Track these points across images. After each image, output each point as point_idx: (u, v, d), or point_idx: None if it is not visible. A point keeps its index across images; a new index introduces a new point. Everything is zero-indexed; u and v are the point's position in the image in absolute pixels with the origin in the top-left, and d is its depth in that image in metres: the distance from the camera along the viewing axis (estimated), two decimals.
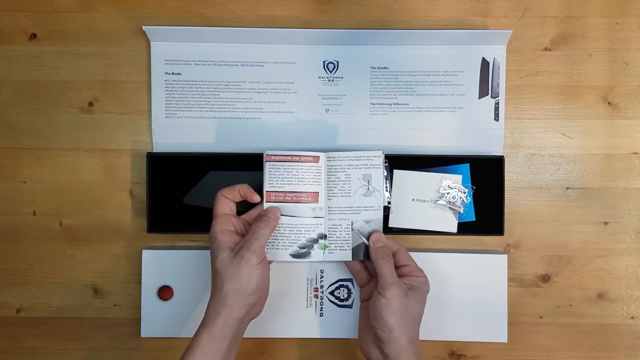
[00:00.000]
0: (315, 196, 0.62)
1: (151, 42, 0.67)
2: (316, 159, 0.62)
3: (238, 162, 0.66)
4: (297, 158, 0.62)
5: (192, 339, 0.56)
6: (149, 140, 0.68)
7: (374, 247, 0.60)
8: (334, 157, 0.62)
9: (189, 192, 0.66)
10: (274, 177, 0.62)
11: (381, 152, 0.62)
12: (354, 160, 0.62)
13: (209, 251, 0.66)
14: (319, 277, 0.66)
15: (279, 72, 0.67)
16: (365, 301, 0.62)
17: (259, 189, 0.62)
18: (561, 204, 0.68)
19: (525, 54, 0.68)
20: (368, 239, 0.61)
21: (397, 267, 0.61)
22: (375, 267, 0.59)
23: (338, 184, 0.62)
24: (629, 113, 0.68)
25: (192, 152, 0.67)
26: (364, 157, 0.62)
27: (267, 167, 0.61)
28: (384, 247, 0.60)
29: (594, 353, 0.68)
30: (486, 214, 0.66)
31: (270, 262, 0.62)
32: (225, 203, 0.60)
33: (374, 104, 0.68)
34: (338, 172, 0.62)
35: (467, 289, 0.66)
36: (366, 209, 0.62)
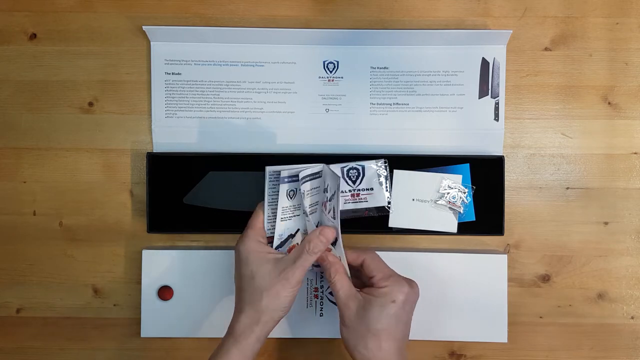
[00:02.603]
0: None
1: (151, 42, 0.67)
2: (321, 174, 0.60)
3: (238, 162, 0.66)
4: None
5: (220, 352, 0.55)
6: (149, 140, 0.68)
7: (322, 265, 0.59)
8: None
9: (189, 192, 0.66)
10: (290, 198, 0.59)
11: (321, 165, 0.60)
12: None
13: (209, 251, 0.66)
14: (318, 277, 0.66)
15: (279, 72, 0.67)
16: None
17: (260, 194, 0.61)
18: (561, 204, 0.68)
19: (525, 54, 0.68)
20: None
21: (369, 278, 0.58)
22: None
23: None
24: (629, 113, 0.68)
25: (192, 152, 0.67)
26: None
27: (282, 188, 0.58)
28: (327, 263, 0.58)
29: (594, 353, 0.68)
30: (486, 214, 0.66)
31: None
32: (261, 216, 0.59)
33: (374, 104, 0.68)
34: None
35: (467, 289, 0.66)
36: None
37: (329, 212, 0.58)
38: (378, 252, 0.64)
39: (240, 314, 0.56)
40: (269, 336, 0.65)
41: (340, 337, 0.66)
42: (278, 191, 0.59)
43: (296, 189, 0.59)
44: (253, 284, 0.56)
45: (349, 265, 0.59)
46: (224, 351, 0.55)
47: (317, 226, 0.59)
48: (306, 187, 0.58)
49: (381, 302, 0.55)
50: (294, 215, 0.60)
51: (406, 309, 0.56)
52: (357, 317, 0.55)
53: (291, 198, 0.59)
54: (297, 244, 0.60)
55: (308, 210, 0.59)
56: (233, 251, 0.66)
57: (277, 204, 0.59)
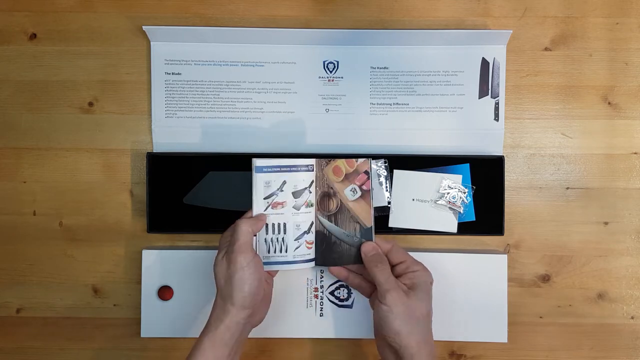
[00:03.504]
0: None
1: (151, 42, 0.67)
2: (310, 168, 0.61)
3: (238, 162, 0.66)
4: (292, 168, 0.60)
5: (195, 345, 0.56)
6: (149, 140, 0.68)
7: (365, 258, 0.60)
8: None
9: (189, 192, 0.66)
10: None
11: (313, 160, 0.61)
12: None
13: (209, 251, 0.66)
14: (318, 277, 0.66)
15: (279, 72, 0.67)
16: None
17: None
18: (561, 204, 0.68)
19: (525, 54, 0.68)
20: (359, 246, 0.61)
21: (393, 266, 0.60)
22: (371, 276, 0.59)
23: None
24: (629, 113, 0.68)
25: (192, 152, 0.67)
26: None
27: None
28: (375, 255, 0.60)
29: (594, 353, 0.68)
30: (486, 214, 0.66)
31: (274, 274, 0.62)
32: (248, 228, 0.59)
33: (374, 104, 0.68)
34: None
35: (467, 289, 0.66)
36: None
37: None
38: None
39: (213, 307, 0.58)
40: (269, 336, 0.65)
41: (340, 336, 0.66)
42: (252, 184, 0.60)
43: (283, 180, 0.60)
44: (215, 276, 0.58)
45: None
46: (198, 342, 0.56)
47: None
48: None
49: (423, 283, 0.58)
50: (278, 213, 0.61)
51: (431, 290, 0.60)
52: (404, 301, 0.56)
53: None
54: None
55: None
56: None
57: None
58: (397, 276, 0.59)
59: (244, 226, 0.57)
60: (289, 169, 0.60)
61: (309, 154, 0.66)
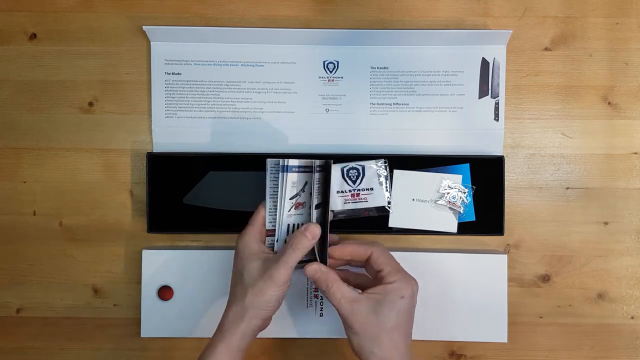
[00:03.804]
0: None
1: (151, 42, 0.67)
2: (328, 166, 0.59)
3: (238, 162, 0.66)
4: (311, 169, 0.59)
5: (208, 349, 0.55)
6: (149, 140, 0.68)
7: (313, 279, 0.56)
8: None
9: (189, 192, 0.66)
10: (294, 188, 0.58)
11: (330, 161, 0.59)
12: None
13: (209, 251, 0.66)
14: None
15: (279, 72, 0.67)
16: None
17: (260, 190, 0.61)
18: (561, 204, 0.68)
19: (525, 54, 0.68)
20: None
21: (377, 272, 0.57)
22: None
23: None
24: (629, 113, 0.68)
25: (192, 152, 0.67)
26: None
27: (288, 178, 0.58)
28: (318, 279, 0.56)
29: (594, 353, 0.68)
30: (486, 214, 0.66)
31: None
32: (262, 212, 0.59)
33: (374, 104, 0.68)
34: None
35: (467, 289, 0.66)
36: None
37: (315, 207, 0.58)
38: None
39: (228, 309, 0.56)
40: (269, 336, 0.65)
41: (340, 336, 0.66)
42: (280, 183, 0.58)
43: (305, 181, 0.59)
44: (242, 280, 0.56)
45: (355, 260, 0.59)
46: (211, 346, 0.55)
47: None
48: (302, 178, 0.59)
49: (391, 299, 0.54)
50: (299, 213, 0.60)
51: (413, 303, 0.56)
52: (367, 320, 0.54)
53: (297, 189, 0.59)
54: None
55: (315, 202, 0.58)
56: (233, 251, 0.66)
57: (277, 197, 0.59)
58: (377, 281, 0.57)
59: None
60: (310, 169, 0.59)
61: (309, 154, 0.66)
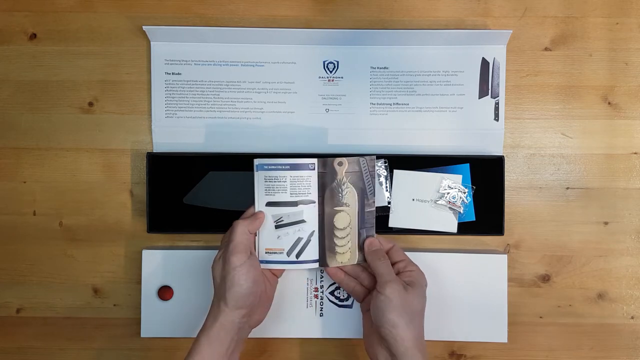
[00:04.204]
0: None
1: (151, 42, 0.67)
2: (312, 166, 0.61)
3: (238, 162, 0.66)
4: (293, 166, 0.60)
5: (192, 344, 0.56)
6: (149, 140, 0.68)
7: (369, 251, 0.61)
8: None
9: (189, 192, 0.66)
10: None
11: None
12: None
13: (209, 251, 0.66)
14: (318, 277, 0.66)
15: (279, 72, 0.67)
16: (367, 311, 0.61)
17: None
18: (561, 204, 0.68)
19: (525, 54, 0.68)
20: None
21: (392, 264, 0.60)
22: (372, 269, 0.59)
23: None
24: (629, 113, 0.68)
25: (192, 152, 0.67)
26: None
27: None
28: (378, 250, 0.60)
29: (594, 353, 0.68)
30: (486, 214, 0.66)
31: (279, 274, 0.62)
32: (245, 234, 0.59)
33: (374, 104, 0.68)
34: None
35: (467, 289, 0.66)
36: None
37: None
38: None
39: (210, 307, 0.58)
40: (269, 336, 0.65)
41: (340, 336, 0.66)
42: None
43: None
44: (212, 276, 0.59)
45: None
46: (194, 341, 0.56)
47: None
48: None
49: (420, 283, 0.59)
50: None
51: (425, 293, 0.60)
52: (402, 295, 0.57)
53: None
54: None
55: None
56: None
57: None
58: (395, 274, 0.60)
59: (239, 227, 0.58)
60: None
61: (309, 154, 0.66)
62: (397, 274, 0.60)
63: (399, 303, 0.56)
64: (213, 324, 0.56)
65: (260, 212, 0.60)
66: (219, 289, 0.57)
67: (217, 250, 0.59)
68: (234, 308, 0.56)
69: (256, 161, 0.60)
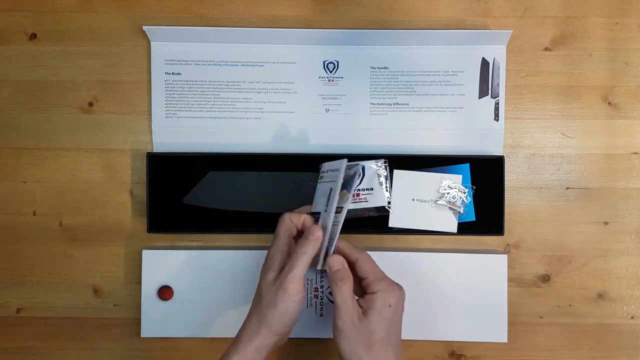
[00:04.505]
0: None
1: (151, 42, 0.67)
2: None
3: (238, 162, 0.66)
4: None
5: (223, 358, 0.54)
6: (149, 140, 0.68)
7: (330, 272, 0.55)
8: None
9: (189, 192, 0.66)
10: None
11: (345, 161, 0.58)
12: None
13: (209, 251, 0.66)
14: (318, 277, 0.66)
15: (279, 72, 0.67)
16: None
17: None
18: (561, 204, 0.68)
19: (525, 54, 0.68)
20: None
21: (361, 280, 0.57)
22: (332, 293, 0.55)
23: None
24: (629, 113, 0.68)
25: (192, 152, 0.67)
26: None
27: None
28: (337, 271, 0.55)
29: (594, 353, 0.68)
30: (486, 214, 0.66)
31: None
32: (289, 225, 0.57)
33: (374, 104, 0.68)
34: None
35: (467, 289, 0.66)
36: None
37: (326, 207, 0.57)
38: (378, 252, 0.65)
39: (247, 320, 0.55)
40: None
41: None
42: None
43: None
44: (261, 290, 0.55)
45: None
46: (226, 356, 0.54)
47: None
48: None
49: (379, 308, 0.54)
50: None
51: (399, 311, 0.55)
52: (356, 325, 0.53)
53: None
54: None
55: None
56: (231, 251, 0.66)
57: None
58: (362, 289, 0.56)
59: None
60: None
61: (309, 154, 0.66)
62: (362, 294, 0.56)
63: (352, 335, 0.53)
64: (248, 345, 0.53)
65: (317, 229, 0.55)
66: (265, 311, 0.53)
67: (268, 262, 0.55)
68: (276, 334, 0.54)
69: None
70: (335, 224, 0.56)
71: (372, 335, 0.53)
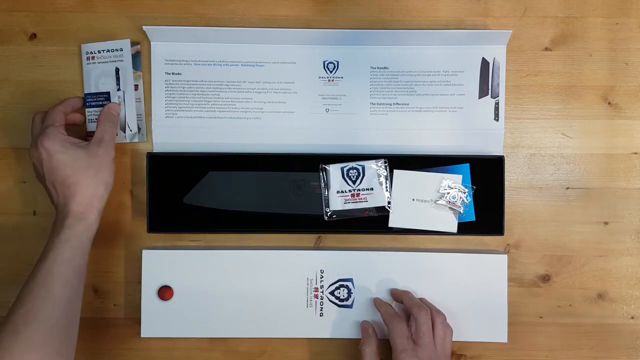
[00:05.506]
0: None
1: (151, 42, 0.67)
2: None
3: (238, 162, 0.66)
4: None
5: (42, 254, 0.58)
6: (149, 140, 0.68)
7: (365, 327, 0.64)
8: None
9: (189, 192, 0.66)
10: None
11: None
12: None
13: (209, 251, 0.66)
14: (319, 277, 0.66)
15: (279, 72, 0.67)
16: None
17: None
18: (561, 204, 0.68)
19: (525, 54, 0.68)
20: None
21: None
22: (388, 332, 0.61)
23: None
24: (629, 113, 0.68)
25: (192, 152, 0.67)
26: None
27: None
28: (369, 333, 0.64)
29: (594, 353, 0.68)
30: (486, 214, 0.66)
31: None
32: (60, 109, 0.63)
33: (374, 104, 0.68)
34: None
35: (467, 289, 0.66)
36: None
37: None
38: (378, 253, 0.65)
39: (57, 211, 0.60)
40: (269, 336, 0.65)
41: (340, 336, 0.66)
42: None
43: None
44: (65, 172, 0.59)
45: None
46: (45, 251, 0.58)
47: None
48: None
49: (427, 332, 0.59)
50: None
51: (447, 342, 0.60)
52: None
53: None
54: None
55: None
56: (233, 251, 0.66)
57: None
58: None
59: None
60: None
61: (309, 154, 0.66)
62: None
63: None
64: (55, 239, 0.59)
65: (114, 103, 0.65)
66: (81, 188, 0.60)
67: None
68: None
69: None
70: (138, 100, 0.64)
71: None
